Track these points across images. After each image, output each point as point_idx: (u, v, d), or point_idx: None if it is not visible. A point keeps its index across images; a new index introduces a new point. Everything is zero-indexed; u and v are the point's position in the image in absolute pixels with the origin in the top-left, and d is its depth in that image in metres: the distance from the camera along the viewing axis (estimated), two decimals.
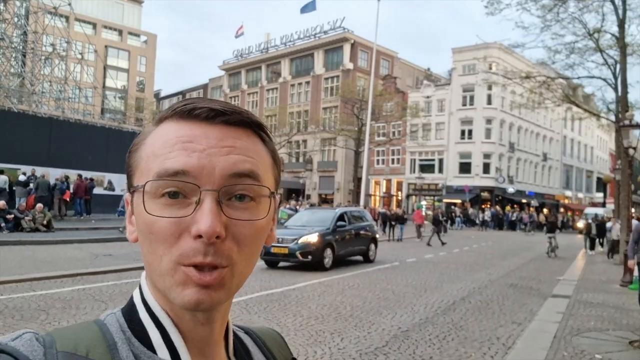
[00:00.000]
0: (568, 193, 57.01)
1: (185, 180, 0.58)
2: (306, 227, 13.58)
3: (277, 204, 0.67)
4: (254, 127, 0.65)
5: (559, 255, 19.83)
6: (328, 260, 12.97)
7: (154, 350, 0.61)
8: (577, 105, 24.66)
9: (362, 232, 15.02)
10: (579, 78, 23.36)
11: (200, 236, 0.57)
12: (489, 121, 44.46)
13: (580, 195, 60.13)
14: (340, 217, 14.20)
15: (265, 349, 0.77)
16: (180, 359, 0.61)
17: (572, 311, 8.87)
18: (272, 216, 0.66)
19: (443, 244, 21.94)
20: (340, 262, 13.90)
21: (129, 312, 0.64)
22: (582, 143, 60.45)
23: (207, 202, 0.58)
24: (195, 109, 0.61)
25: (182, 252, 0.58)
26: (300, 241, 12.57)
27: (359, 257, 15.12)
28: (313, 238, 12.68)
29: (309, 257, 12.48)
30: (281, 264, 13.28)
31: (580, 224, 37.61)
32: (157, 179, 0.59)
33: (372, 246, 15.42)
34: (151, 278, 0.63)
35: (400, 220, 24.30)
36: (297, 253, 12.46)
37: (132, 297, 0.66)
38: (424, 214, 29.11)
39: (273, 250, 12.42)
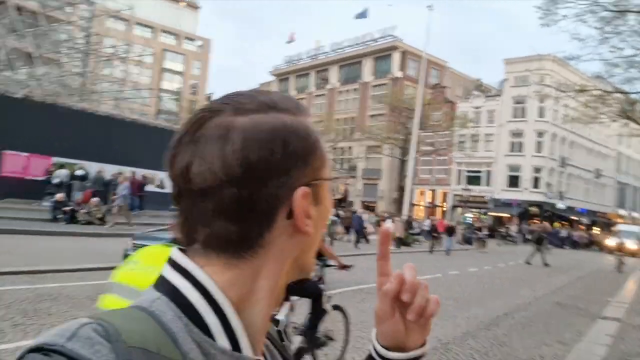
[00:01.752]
0: (622, 212, 54.64)
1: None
2: None
3: None
4: None
5: (626, 270, 20.97)
6: None
7: (211, 338, 0.56)
8: (636, 122, 23.67)
9: None
10: (638, 93, 22.47)
11: None
12: (540, 134, 43.23)
13: (635, 214, 57.47)
14: None
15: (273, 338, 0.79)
16: (239, 346, 0.57)
17: (623, 334, 8.54)
18: None
19: (546, 264, 20.73)
20: None
21: (176, 297, 0.57)
22: (638, 160, 57.87)
23: None
24: None
25: None
26: None
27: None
28: None
29: None
30: None
31: (612, 241, 35.59)
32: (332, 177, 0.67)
33: None
34: (301, 259, 0.65)
35: (450, 232, 23.91)
36: None
37: (168, 282, 0.59)
38: (447, 224, 27.48)
39: None
